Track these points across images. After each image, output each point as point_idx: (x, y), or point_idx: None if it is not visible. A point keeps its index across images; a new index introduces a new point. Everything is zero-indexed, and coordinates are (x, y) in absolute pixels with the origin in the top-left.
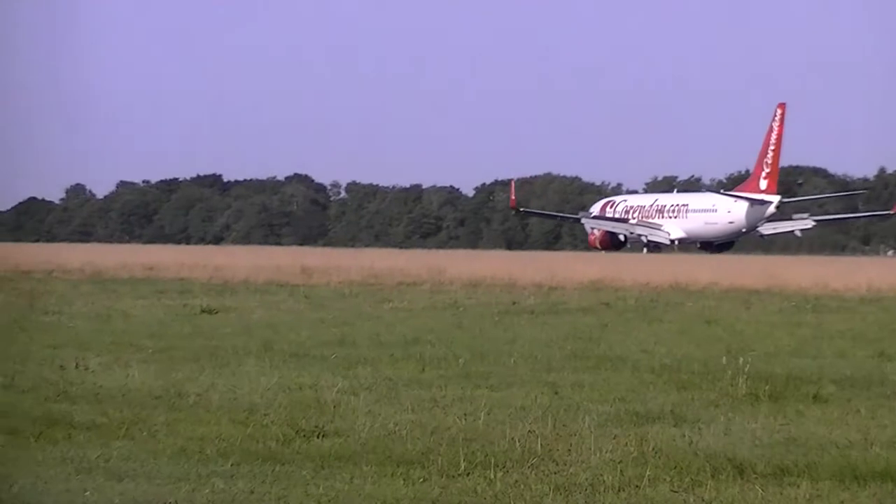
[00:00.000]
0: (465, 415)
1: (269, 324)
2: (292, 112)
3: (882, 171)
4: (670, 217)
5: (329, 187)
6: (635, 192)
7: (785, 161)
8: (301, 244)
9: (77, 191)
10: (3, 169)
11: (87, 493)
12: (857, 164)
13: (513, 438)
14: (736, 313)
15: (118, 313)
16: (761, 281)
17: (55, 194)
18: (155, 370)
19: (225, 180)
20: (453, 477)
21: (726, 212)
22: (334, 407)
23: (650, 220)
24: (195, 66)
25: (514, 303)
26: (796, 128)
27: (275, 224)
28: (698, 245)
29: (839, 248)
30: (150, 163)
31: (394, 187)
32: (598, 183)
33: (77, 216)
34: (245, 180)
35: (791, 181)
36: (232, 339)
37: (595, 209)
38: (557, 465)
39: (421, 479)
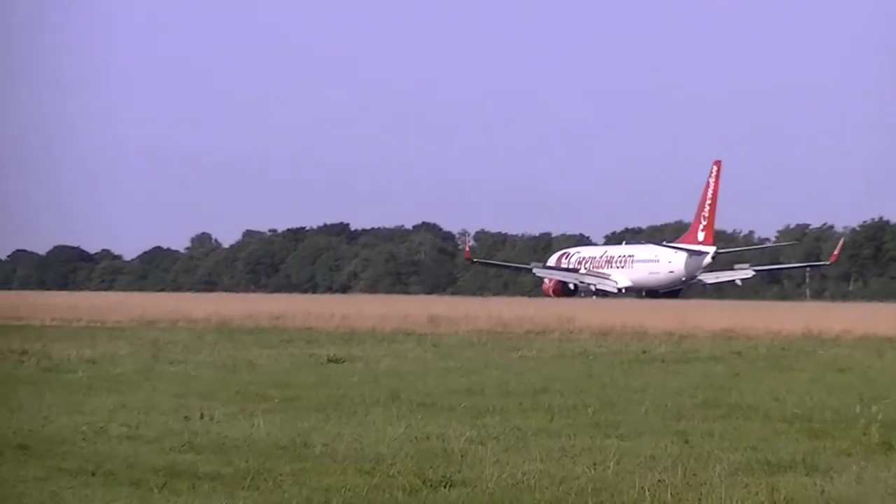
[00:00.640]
0: (594, 464)
1: (396, 373)
2: (420, 160)
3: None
4: (618, 267)
5: (457, 236)
6: (596, 244)
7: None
8: (429, 293)
9: (203, 240)
10: (129, 219)
11: None
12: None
13: (642, 488)
14: (869, 361)
15: (244, 363)
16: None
17: (181, 243)
18: (281, 420)
19: (352, 229)
20: None
21: (667, 262)
22: (462, 456)
23: (599, 270)
24: (321, 115)
25: (644, 351)
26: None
27: (402, 273)
28: (643, 294)
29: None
30: (276, 212)
31: (522, 235)
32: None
33: (202, 265)
34: (372, 228)
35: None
36: (359, 388)
37: (552, 260)
38: None
39: None
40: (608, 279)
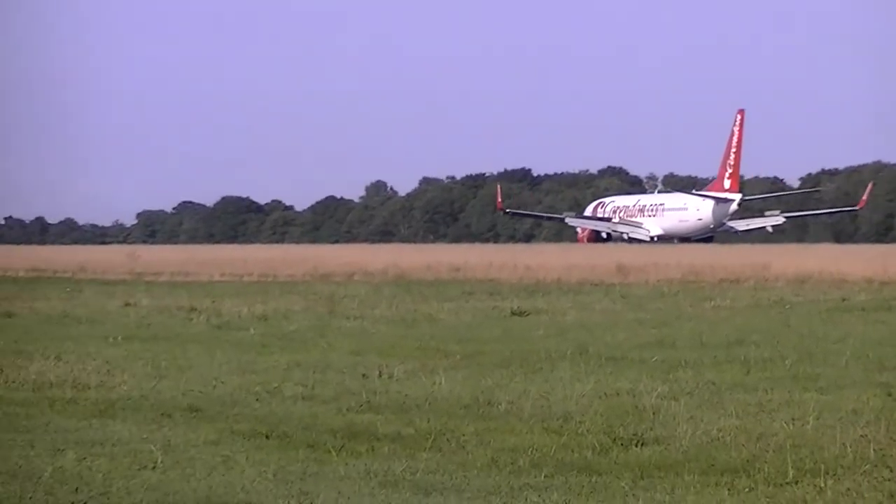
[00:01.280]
0: (792, 420)
1: (583, 325)
2: (605, 100)
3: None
4: (650, 216)
5: (645, 180)
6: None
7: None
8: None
9: (378, 188)
10: (301, 167)
11: None
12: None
13: (844, 444)
14: None
15: (423, 317)
16: None
17: (355, 192)
18: (463, 377)
19: (534, 174)
20: (781, 486)
21: (695, 210)
22: (653, 413)
23: (632, 219)
24: (500, 54)
25: (843, 299)
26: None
27: None
28: (676, 241)
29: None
30: (454, 158)
31: (712, 179)
32: None
33: (378, 215)
34: (556, 174)
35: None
36: (544, 342)
37: (589, 209)
38: (892, 471)
39: (746, 489)
40: (640, 227)
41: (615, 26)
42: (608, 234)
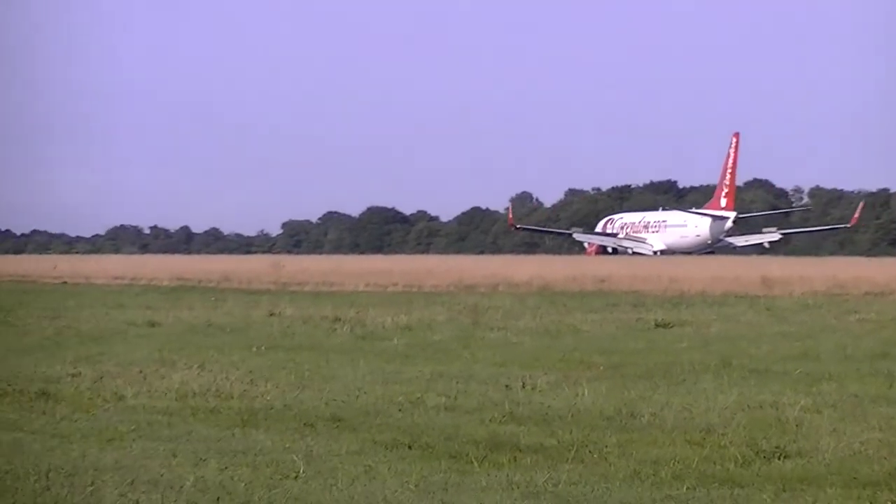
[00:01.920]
0: None
1: (727, 337)
2: (752, 112)
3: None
4: (653, 232)
5: (791, 192)
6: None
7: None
8: (760, 254)
9: (523, 199)
10: (447, 178)
11: None
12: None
13: None
14: None
15: (568, 328)
16: None
17: (500, 203)
18: (606, 388)
19: (680, 186)
20: None
21: (694, 226)
22: (797, 426)
23: (637, 235)
24: (647, 65)
25: None
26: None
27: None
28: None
29: None
30: (600, 169)
31: (859, 192)
32: None
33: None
34: (701, 186)
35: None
36: (688, 354)
37: (599, 225)
38: None
39: (889, 502)
40: (644, 243)
41: (762, 35)
42: (614, 248)
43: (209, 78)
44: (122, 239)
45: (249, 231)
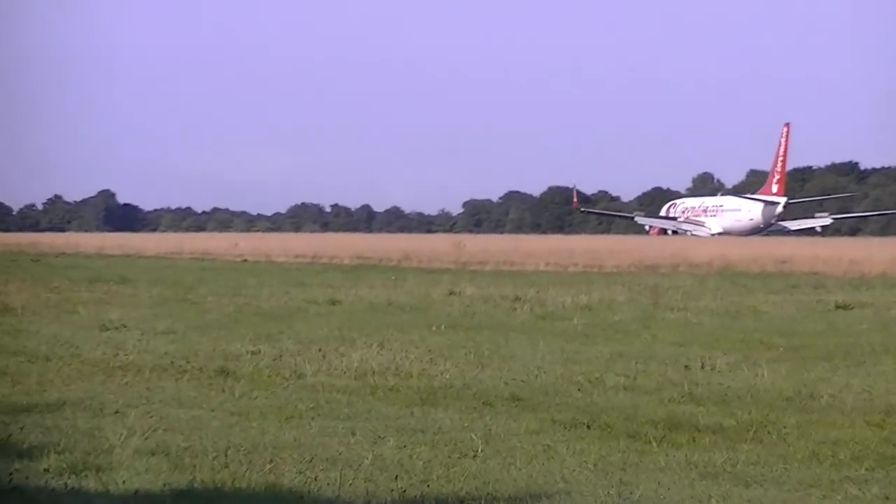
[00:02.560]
0: None
1: None
2: None
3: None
4: (711, 216)
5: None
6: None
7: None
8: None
9: (705, 179)
10: (629, 157)
11: (713, 499)
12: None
13: None
14: None
15: (748, 309)
16: None
17: (682, 183)
18: (785, 370)
19: (861, 168)
20: None
21: (748, 211)
22: None
23: (697, 218)
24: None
25: None
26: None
27: None
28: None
29: None
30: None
31: None
32: None
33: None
34: (884, 168)
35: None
36: (868, 336)
37: (663, 209)
38: None
39: None
40: (703, 226)
41: None
42: (674, 230)
43: (395, 60)
44: (304, 217)
45: (430, 210)
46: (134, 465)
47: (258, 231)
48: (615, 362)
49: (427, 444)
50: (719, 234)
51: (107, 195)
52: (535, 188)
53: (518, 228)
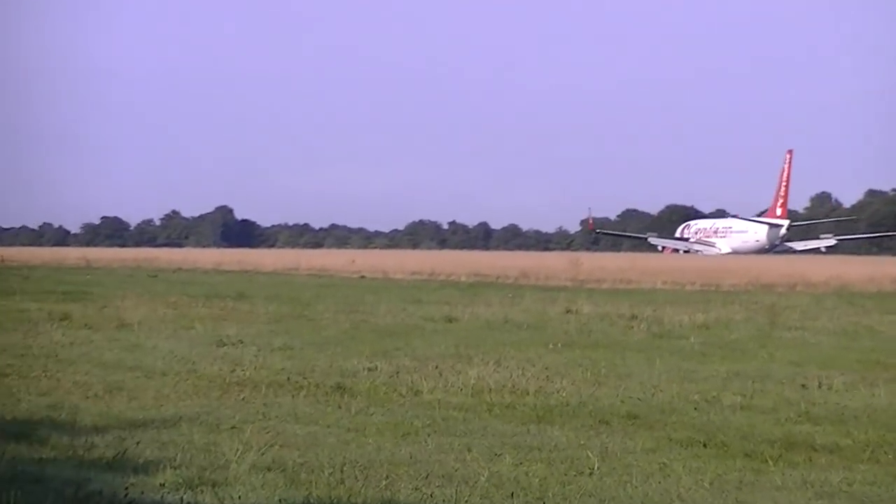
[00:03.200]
0: None
1: None
2: None
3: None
4: (721, 237)
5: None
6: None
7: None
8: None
9: (822, 199)
10: (744, 176)
11: None
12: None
13: None
14: None
15: (865, 329)
16: None
17: (800, 203)
18: None
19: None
20: None
21: (754, 233)
22: None
23: (708, 239)
24: None
25: None
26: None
27: None
28: None
29: None
30: None
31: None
32: None
33: (821, 227)
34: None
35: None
36: None
37: (678, 230)
38: None
39: None
40: (713, 247)
41: None
42: (685, 250)
43: (507, 78)
44: (421, 234)
45: (548, 228)
46: (250, 481)
47: (375, 248)
48: (731, 381)
49: (543, 462)
50: (728, 253)
51: (224, 211)
52: (653, 206)
53: (635, 247)
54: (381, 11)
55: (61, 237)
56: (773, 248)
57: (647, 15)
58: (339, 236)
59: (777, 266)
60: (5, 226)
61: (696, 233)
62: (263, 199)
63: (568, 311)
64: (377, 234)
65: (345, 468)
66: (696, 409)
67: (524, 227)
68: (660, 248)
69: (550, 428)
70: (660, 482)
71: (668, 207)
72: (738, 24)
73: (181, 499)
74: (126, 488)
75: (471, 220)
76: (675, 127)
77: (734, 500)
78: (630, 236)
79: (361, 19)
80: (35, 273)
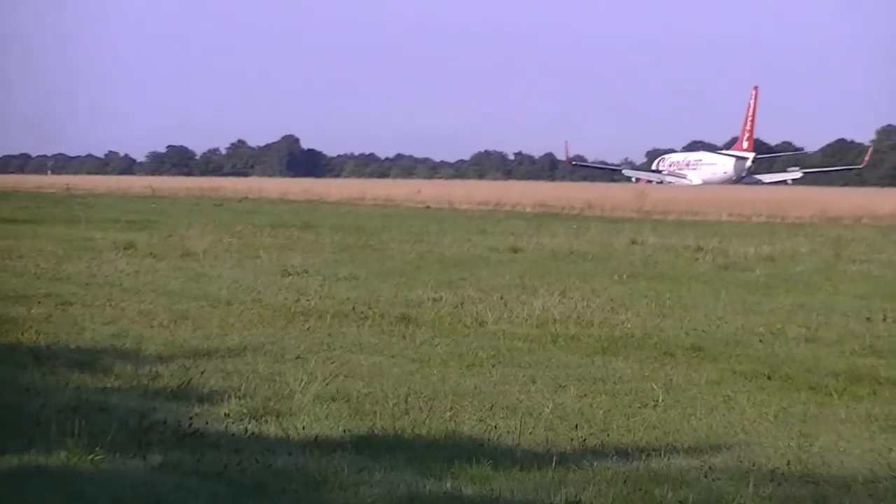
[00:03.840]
0: None
1: None
2: None
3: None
4: (692, 169)
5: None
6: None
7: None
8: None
9: (889, 132)
10: (814, 108)
11: (893, 452)
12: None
13: None
14: None
15: None
16: None
17: (866, 135)
18: None
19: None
20: None
21: (722, 165)
22: None
23: (680, 171)
24: None
25: None
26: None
27: None
28: None
29: None
30: None
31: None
32: None
33: (888, 159)
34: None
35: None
36: None
37: (654, 164)
38: None
39: None
40: (685, 178)
41: None
42: (659, 181)
43: (580, 12)
44: (487, 165)
45: (614, 159)
46: (314, 411)
47: (441, 178)
48: (796, 314)
49: (607, 394)
50: (698, 185)
51: (290, 140)
52: (719, 138)
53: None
54: None
55: (127, 165)
56: (741, 179)
57: None
58: (404, 166)
59: (844, 198)
60: (71, 154)
61: (670, 165)
62: (330, 128)
63: (633, 243)
64: (443, 164)
65: (409, 399)
66: (760, 341)
67: (590, 158)
68: (633, 179)
69: (615, 359)
70: (724, 415)
71: (733, 139)
72: None
73: (245, 429)
74: (190, 418)
75: (537, 151)
76: (739, 60)
77: (798, 432)
78: (605, 168)
79: None
80: (100, 201)
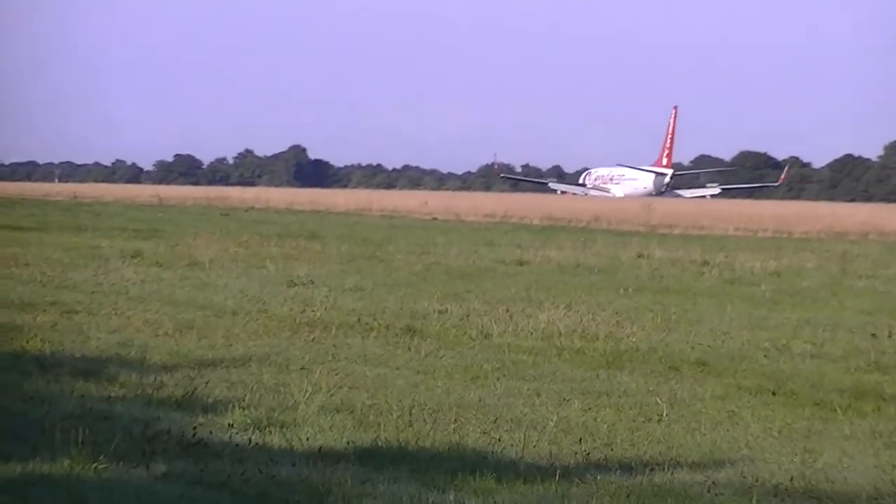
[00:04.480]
0: None
1: None
2: None
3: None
4: (616, 184)
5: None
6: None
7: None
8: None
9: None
10: (821, 124)
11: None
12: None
13: None
14: None
15: None
16: None
17: (873, 151)
18: None
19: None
20: None
21: (643, 180)
22: None
23: (604, 185)
24: None
25: None
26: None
27: None
28: None
29: None
30: None
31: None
32: None
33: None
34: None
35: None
36: None
37: (581, 178)
38: None
39: None
40: (608, 192)
41: None
42: (584, 195)
43: (586, 26)
44: (493, 176)
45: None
46: (318, 422)
47: (448, 189)
48: (802, 329)
49: (612, 407)
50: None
51: (298, 150)
52: (727, 153)
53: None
54: None
55: (134, 174)
56: (661, 193)
57: None
58: (411, 178)
59: (851, 214)
60: (78, 162)
61: (595, 179)
62: (337, 138)
63: (640, 256)
64: (450, 175)
65: (413, 411)
66: (766, 356)
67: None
68: (559, 192)
69: (620, 373)
70: (728, 430)
71: (741, 153)
72: None
73: (249, 439)
74: (194, 428)
75: (544, 164)
76: (749, 74)
77: (802, 448)
78: (530, 181)
79: None
80: (107, 210)
